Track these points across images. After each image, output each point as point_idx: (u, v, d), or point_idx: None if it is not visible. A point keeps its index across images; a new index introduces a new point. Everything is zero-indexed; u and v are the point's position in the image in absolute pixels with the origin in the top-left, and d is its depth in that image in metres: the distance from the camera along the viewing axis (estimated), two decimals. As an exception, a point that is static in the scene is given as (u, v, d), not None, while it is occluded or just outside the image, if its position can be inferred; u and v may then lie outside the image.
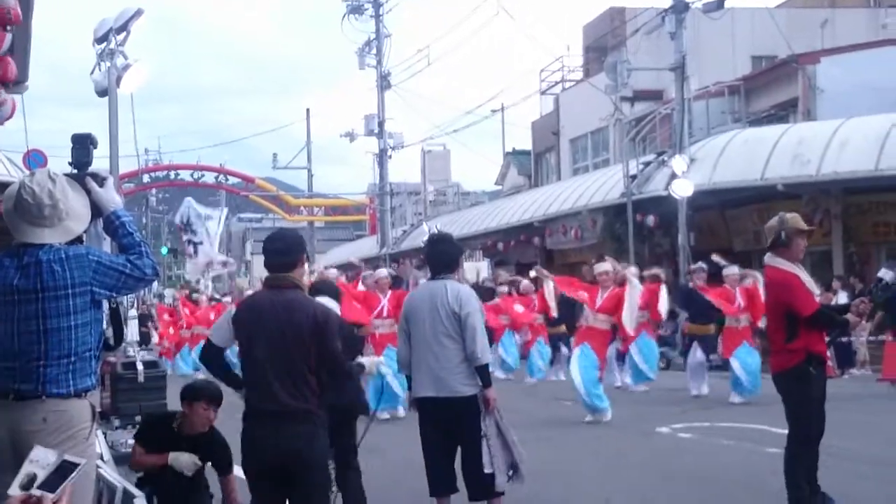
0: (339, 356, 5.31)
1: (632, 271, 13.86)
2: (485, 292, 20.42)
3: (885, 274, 7.18)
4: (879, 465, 9.22)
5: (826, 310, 7.74)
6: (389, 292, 14.05)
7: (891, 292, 7.42)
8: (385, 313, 13.77)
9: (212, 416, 6.77)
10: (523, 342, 20.48)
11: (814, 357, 7.16)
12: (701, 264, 16.45)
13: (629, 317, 12.95)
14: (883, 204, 22.81)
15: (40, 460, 2.96)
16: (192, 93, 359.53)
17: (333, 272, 15.84)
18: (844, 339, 18.12)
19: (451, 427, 6.84)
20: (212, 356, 5.46)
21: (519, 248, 32.92)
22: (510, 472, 6.76)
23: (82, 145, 4.55)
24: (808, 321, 7.06)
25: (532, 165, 42.44)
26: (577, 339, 13.53)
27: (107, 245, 4.52)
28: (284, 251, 5.33)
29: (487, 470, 6.64)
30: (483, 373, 6.83)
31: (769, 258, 7.44)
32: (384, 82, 40.03)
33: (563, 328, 19.83)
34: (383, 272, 14.81)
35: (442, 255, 7.22)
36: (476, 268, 40.07)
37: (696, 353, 16.10)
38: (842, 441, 9.46)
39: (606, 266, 13.28)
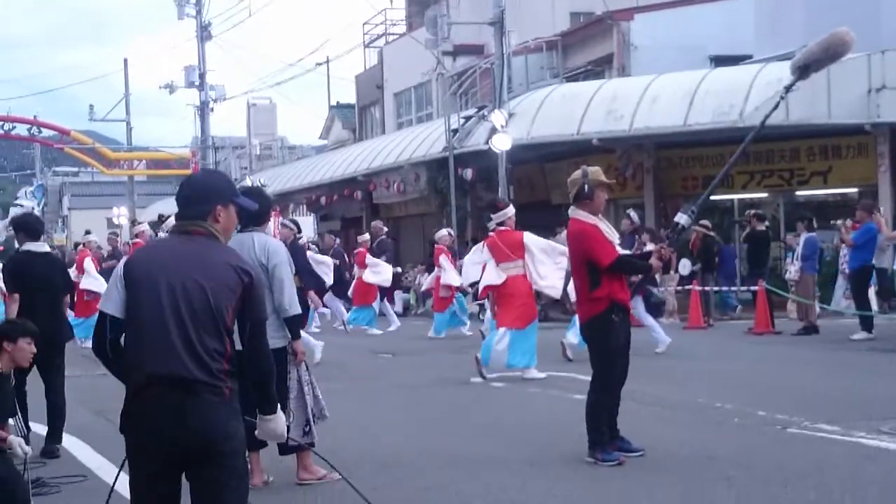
0: (264, 326, 4.41)
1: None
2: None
3: (680, 218, 7.47)
4: (679, 410, 9.61)
5: (626, 257, 8.01)
6: None
7: (687, 235, 7.70)
8: None
9: (34, 350, 6.86)
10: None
11: (617, 305, 7.41)
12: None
13: None
14: (691, 158, 23.69)
15: None
16: (3, 42, 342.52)
17: None
18: (654, 289, 18.86)
19: None
20: (114, 335, 4.24)
21: (343, 201, 32.81)
22: (305, 428, 6.77)
23: None
24: (608, 269, 7.30)
25: (356, 119, 42.27)
26: None
27: None
28: (192, 199, 4.39)
29: (287, 422, 6.64)
30: (292, 324, 6.80)
31: (572, 211, 7.64)
32: (205, 33, 39.10)
33: None
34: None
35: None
36: (303, 223, 39.81)
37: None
38: (645, 387, 9.86)
39: None
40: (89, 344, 16.97)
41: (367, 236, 21.59)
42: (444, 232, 19.60)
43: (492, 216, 12.59)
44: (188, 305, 4.09)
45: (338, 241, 25.37)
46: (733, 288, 20.77)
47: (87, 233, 20.36)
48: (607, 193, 7.70)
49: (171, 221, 17.89)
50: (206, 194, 4.36)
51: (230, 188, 4.48)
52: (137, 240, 17.14)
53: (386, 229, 23.07)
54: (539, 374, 11.84)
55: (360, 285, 20.13)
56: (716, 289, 19.55)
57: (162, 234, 16.77)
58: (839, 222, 18.96)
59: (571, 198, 7.54)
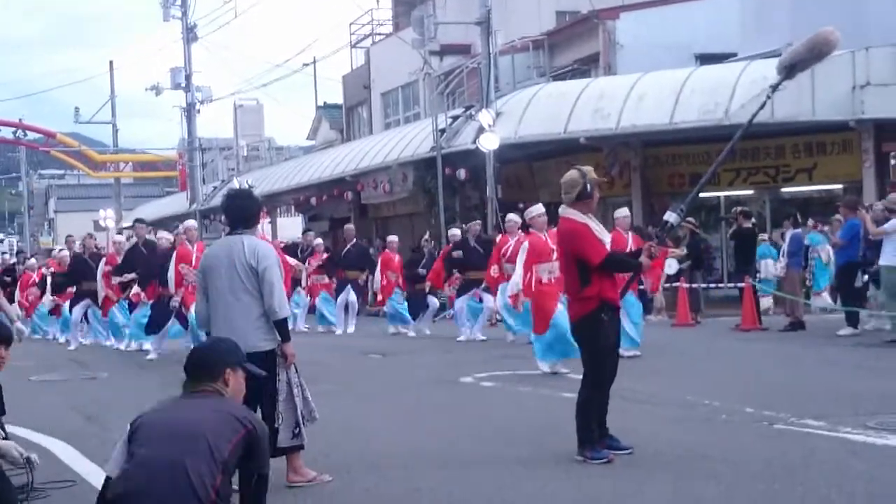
0: (267, 480, 4.71)
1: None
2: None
3: (669, 216, 7.51)
4: (667, 407, 9.64)
5: (616, 256, 8.05)
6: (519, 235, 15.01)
7: (675, 233, 7.75)
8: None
9: (2, 354, 6.47)
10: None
11: (606, 304, 7.44)
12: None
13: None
14: (677, 156, 23.80)
15: None
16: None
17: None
18: (641, 287, 18.89)
19: (250, 383, 6.83)
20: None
21: (331, 202, 32.80)
22: (295, 430, 6.80)
23: None
24: (598, 268, 7.33)
25: (344, 119, 42.26)
26: None
27: None
28: (202, 365, 4.80)
29: (277, 425, 6.67)
30: (282, 327, 6.82)
31: (563, 210, 7.66)
32: (190, 35, 39.05)
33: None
34: (513, 216, 15.81)
35: (239, 210, 7.13)
36: (291, 224, 39.76)
37: None
38: (633, 384, 9.91)
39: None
40: (73, 346, 16.90)
41: (395, 237, 21.26)
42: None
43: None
44: (186, 438, 4.34)
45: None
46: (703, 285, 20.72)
47: (119, 232, 20.10)
48: (599, 192, 7.74)
49: (141, 229, 17.74)
50: (215, 360, 4.80)
51: (238, 354, 4.93)
52: (183, 237, 15.26)
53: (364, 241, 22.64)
54: (544, 368, 12.12)
55: (387, 284, 19.93)
56: (703, 285, 19.62)
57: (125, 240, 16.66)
58: (821, 226, 18.87)
59: (573, 197, 7.50)
